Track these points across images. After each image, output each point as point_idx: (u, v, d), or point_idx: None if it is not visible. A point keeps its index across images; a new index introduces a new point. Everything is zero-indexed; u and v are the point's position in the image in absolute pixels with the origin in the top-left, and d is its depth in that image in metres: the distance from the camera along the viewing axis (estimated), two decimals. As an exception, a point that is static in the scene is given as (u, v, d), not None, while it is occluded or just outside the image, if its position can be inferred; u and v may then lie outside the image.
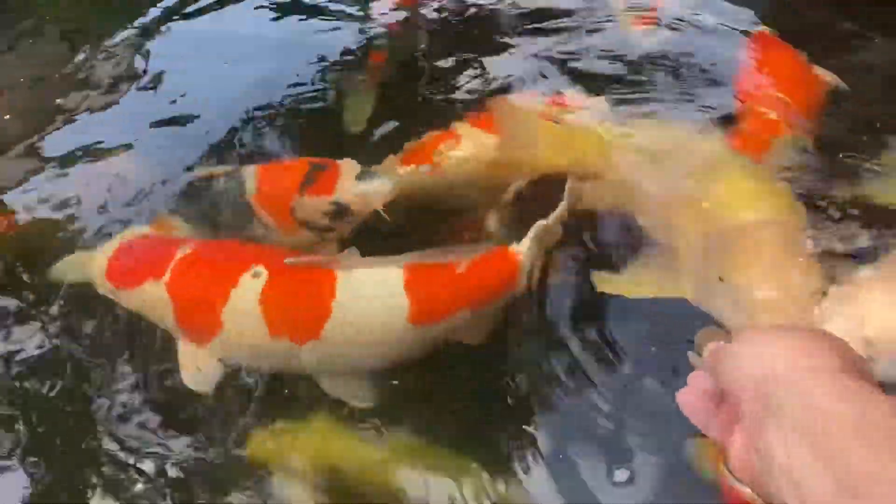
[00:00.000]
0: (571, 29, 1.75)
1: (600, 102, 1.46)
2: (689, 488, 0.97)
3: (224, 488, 1.06)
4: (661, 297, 1.11)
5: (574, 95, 1.47)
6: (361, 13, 1.93)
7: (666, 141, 1.36)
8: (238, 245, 1.22)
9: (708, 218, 1.15)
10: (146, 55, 1.82)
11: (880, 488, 0.50)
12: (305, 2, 1.99)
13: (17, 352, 1.24)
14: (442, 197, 1.35)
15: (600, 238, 1.27)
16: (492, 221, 1.34)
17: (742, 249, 1.07)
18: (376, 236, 1.30)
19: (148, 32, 1.92)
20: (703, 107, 1.47)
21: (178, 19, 1.96)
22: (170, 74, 1.76)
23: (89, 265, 1.21)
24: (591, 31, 1.71)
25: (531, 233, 1.12)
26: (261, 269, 1.09)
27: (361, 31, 1.88)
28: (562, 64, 1.63)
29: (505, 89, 1.59)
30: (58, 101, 1.73)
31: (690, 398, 0.75)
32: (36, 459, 1.11)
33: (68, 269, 1.26)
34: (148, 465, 1.08)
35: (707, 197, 1.18)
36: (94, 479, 1.08)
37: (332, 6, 1.96)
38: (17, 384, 1.20)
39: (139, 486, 1.06)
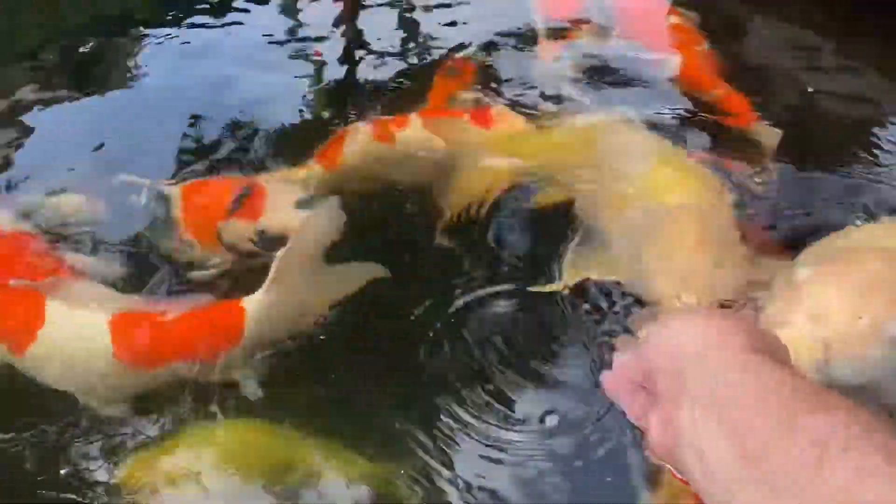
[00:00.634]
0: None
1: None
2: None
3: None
4: (599, 280, 1.12)
5: (499, 109, 1.43)
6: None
7: (593, 131, 1.37)
8: None
9: (635, 202, 1.16)
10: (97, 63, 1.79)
11: (774, 454, 0.52)
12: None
13: None
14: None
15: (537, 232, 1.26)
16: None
17: (663, 233, 1.08)
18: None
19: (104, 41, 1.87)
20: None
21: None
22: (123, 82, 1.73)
23: None
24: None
25: (268, 281, 1.07)
26: None
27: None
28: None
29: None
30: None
31: (613, 380, 0.77)
32: None
33: None
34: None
35: (633, 182, 1.19)
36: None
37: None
38: None
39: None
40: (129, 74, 1.76)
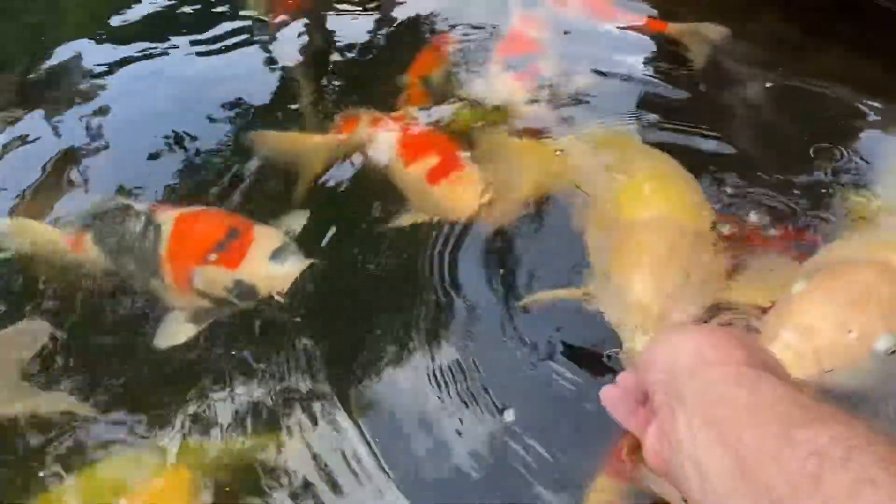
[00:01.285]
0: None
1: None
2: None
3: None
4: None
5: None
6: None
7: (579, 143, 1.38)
8: None
9: (606, 217, 1.16)
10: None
11: (772, 466, 0.52)
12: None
13: None
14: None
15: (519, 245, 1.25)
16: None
17: (626, 250, 1.07)
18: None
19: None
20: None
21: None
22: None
23: None
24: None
25: None
26: None
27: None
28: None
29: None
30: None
31: (613, 394, 0.78)
32: None
33: None
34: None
35: (607, 196, 1.19)
36: None
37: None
38: None
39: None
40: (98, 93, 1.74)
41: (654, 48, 1.73)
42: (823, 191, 1.26)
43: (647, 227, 1.09)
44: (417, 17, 1.91)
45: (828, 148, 1.36)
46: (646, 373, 0.71)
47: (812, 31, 1.64)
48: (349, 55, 1.81)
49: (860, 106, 1.46)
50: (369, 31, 1.89)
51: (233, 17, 1.94)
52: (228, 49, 1.84)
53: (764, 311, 0.99)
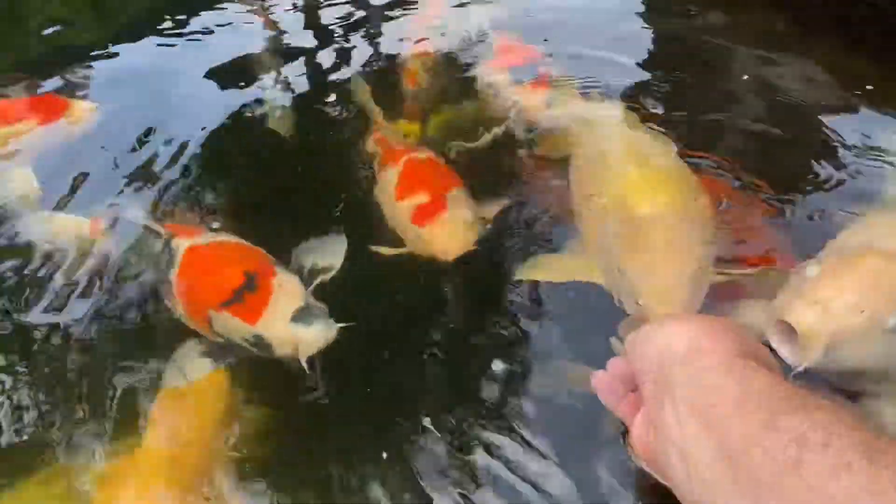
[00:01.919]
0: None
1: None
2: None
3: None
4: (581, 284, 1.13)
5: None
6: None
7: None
8: None
9: (613, 207, 1.15)
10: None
11: (752, 453, 0.53)
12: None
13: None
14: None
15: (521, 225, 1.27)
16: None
17: (636, 240, 1.08)
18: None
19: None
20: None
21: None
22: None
23: None
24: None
25: None
26: None
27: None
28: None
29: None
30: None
31: (604, 380, 0.80)
32: None
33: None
34: None
35: (613, 186, 1.19)
36: None
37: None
38: None
39: None
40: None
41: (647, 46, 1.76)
42: (810, 182, 1.28)
43: (658, 218, 1.09)
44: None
45: (815, 137, 1.39)
46: (636, 361, 0.72)
47: (799, 21, 1.68)
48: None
49: (846, 95, 1.49)
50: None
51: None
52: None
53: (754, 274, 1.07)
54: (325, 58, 1.87)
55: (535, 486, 0.94)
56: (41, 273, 1.27)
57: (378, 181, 1.35)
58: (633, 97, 1.54)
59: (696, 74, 1.63)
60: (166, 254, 1.19)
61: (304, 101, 1.70)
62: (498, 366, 1.06)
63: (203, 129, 1.60)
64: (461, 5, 1.98)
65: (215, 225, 1.37)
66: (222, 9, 2.14)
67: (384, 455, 0.98)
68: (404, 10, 2.03)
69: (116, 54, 1.95)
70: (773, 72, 1.58)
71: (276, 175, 1.48)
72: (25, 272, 1.28)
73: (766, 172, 1.29)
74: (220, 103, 1.68)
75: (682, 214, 1.10)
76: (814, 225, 1.20)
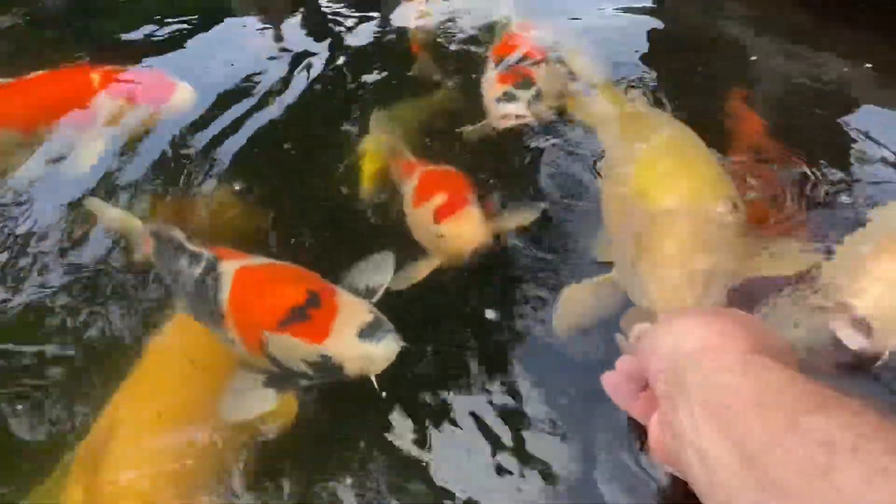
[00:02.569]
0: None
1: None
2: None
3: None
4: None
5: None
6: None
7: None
8: None
9: (632, 203, 1.16)
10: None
11: (775, 457, 0.52)
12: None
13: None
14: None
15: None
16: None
17: (652, 236, 1.07)
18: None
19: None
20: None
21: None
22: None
23: None
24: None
25: None
26: None
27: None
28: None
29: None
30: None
31: (614, 380, 0.79)
32: None
33: None
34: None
35: (634, 179, 1.20)
36: None
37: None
38: None
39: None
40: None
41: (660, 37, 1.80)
42: (839, 170, 1.31)
43: (673, 213, 1.09)
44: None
45: (842, 127, 1.42)
46: (647, 360, 0.70)
47: (827, 13, 1.70)
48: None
49: (873, 85, 1.52)
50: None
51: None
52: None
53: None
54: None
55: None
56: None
57: (403, 198, 1.37)
58: (658, 90, 1.56)
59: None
60: (211, 278, 1.12)
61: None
62: (490, 314, 1.12)
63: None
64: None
65: (237, 187, 1.46)
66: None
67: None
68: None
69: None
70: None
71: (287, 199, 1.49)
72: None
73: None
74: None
75: (700, 211, 1.09)
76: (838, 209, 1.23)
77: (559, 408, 1.03)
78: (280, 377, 1.05)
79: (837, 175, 1.30)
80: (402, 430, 1.05)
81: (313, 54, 1.92)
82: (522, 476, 0.97)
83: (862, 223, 1.03)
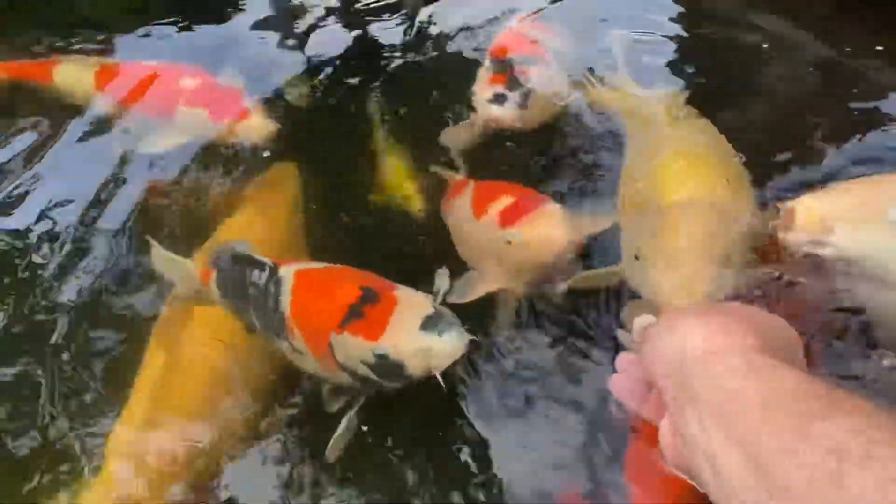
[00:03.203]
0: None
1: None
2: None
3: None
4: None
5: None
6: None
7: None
8: None
9: (643, 192, 1.19)
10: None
11: (785, 464, 0.51)
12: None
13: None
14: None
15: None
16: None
17: (663, 229, 1.08)
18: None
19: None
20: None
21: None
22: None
23: None
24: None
25: None
26: None
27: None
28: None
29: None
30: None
31: (622, 383, 0.78)
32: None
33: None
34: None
35: (644, 175, 1.23)
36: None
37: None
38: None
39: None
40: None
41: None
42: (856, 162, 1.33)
43: (687, 208, 1.10)
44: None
45: (858, 117, 1.44)
46: (653, 364, 0.70)
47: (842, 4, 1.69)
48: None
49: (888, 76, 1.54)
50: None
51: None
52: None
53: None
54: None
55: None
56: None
57: (451, 217, 1.31)
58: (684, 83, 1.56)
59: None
60: (273, 287, 1.08)
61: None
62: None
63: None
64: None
65: (266, 154, 1.51)
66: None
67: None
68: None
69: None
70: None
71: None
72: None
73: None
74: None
75: (713, 206, 1.10)
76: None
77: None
78: (345, 392, 1.02)
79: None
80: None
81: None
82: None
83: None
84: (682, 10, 1.84)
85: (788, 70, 1.62)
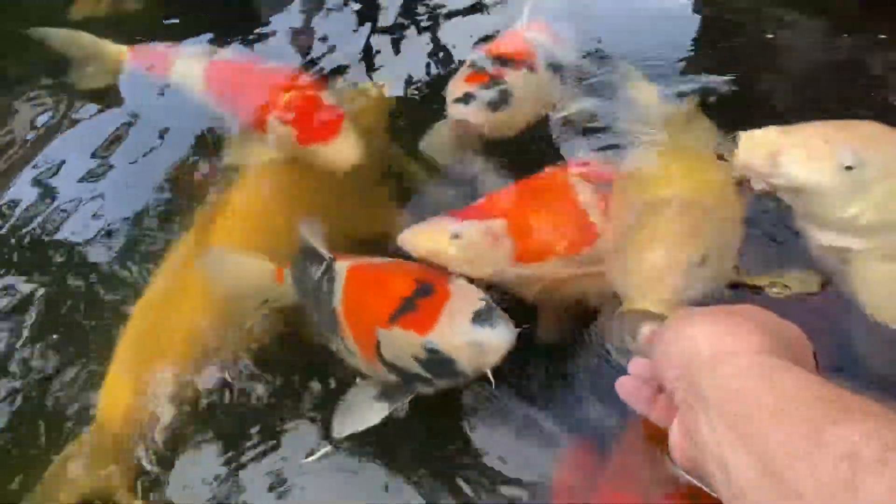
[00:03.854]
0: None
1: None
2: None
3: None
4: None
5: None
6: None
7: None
8: None
9: (628, 192, 1.16)
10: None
11: (802, 470, 0.52)
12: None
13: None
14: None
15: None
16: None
17: (636, 225, 1.07)
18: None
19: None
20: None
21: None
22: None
23: None
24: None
25: None
26: None
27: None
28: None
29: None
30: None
31: (629, 385, 0.80)
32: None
33: None
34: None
35: (631, 171, 1.21)
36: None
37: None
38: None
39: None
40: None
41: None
42: None
43: (665, 203, 1.08)
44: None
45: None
46: (661, 368, 0.71)
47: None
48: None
49: None
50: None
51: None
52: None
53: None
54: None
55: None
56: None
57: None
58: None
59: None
60: (327, 281, 1.09)
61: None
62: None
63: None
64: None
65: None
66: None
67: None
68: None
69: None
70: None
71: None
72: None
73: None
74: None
75: (690, 201, 1.08)
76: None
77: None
78: (396, 388, 1.01)
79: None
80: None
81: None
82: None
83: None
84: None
85: (812, 63, 1.65)
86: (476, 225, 1.08)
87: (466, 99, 1.38)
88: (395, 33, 1.99)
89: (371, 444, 1.09)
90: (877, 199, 0.99)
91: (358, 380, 1.09)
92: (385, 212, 1.43)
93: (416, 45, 1.92)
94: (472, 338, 0.92)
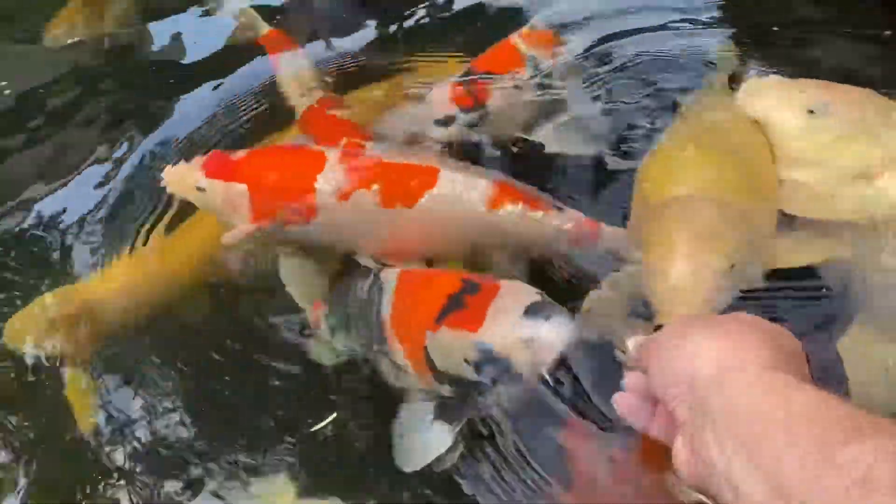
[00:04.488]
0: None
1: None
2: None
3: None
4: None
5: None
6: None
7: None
8: None
9: (648, 191, 1.13)
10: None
11: (814, 494, 0.51)
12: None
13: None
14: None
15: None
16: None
17: (659, 227, 1.02)
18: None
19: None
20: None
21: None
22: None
23: None
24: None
25: None
26: None
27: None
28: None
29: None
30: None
31: (626, 401, 0.77)
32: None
33: None
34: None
35: (650, 170, 1.17)
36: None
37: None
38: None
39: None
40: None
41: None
42: None
43: (686, 201, 1.05)
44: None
45: None
46: (661, 384, 0.69)
47: None
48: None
49: None
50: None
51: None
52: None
53: None
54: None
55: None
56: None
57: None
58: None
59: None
60: (375, 290, 1.05)
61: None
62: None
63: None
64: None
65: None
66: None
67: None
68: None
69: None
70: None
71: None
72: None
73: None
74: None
75: (718, 201, 1.04)
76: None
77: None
78: (452, 403, 0.93)
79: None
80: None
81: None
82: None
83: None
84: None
85: (843, 53, 1.63)
86: (220, 184, 1.15)
87: (447, 122, 1.38)
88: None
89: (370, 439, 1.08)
90: (824, 140, 1.11)
91: (404, 403, 1.00)
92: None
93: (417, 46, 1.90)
94: (525, 332, 0.85)
